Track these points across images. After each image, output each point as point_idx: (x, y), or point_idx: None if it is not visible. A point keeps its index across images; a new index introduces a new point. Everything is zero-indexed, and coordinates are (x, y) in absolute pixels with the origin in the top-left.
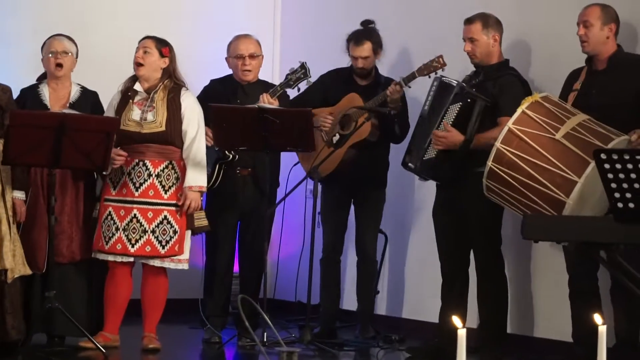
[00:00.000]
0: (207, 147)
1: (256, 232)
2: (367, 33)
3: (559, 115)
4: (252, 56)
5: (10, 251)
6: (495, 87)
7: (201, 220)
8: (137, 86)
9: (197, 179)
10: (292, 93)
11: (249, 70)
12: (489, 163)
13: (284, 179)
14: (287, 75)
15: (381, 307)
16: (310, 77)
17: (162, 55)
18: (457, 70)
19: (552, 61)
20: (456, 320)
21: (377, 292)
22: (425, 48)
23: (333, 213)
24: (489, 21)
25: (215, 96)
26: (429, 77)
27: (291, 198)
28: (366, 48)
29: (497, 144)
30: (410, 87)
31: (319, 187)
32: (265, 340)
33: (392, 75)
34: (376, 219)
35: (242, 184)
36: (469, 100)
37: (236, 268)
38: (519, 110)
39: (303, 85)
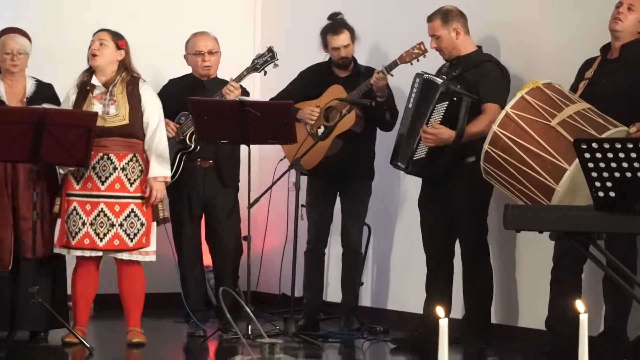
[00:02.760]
0: (168, 138)
1: (223, 225)
2: (342, 23)
3: (558, 103)
4: (211, 52)
5: None
6: (474, 75)
7: (165, 211)
8: (95, 80)
9: (161, 169)
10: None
11: (209, 66)
12: (486, 146)
13: (269, 173)
14: (254, 59)
15: (365, 298)
16: (277, 59)
17: (118, 47)
18: (439, 58)
19: (525, 51)
20: (439, 310)
21: (361, 283)
22: (403, 37)
23: (318, 205)
24: (447, 16)
25: (176, 93)
26: (411, 64)
27: (275, 190)
28: (345, 37)
29: (494, 127)
30: (392, 75)
31: (305, 179)
32: (249, 332)
33: (373, 64)
34: (361, 211)
35: (203, 176)
36: (455, 99)
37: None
38: (518, 95)
39: (270, 69)
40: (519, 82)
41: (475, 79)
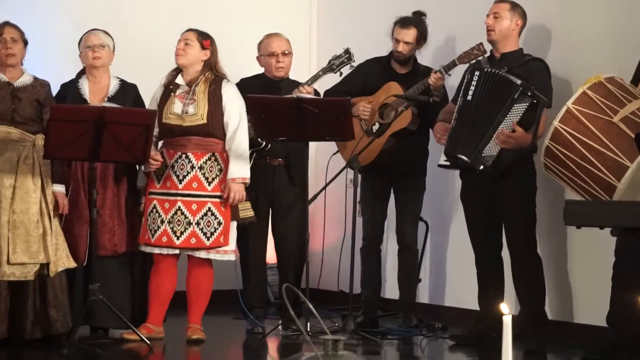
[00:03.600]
0: None
1: (290, 222)
2: (415, 20)
3: (620, 98)
4: (284, 53)
5: (52, 245)
6: (523, 73)
7: (246, 211)
8: (179, 79)
9: (240, 170)
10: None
11: (283, 67)
12: (546, 141)
13: (323, 168)
14: (330, 60)
15: (423, 295)
16: (354, 61)
17: (203, 47)
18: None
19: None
20: (503, 307)
21: (419, 280)
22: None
23: (373, 202)
24: (517, 7)
25: (247, 92)
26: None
27: (331, 188)
28: (411, 33)
29: (555, 122)
30: (450, 75)
31: (359, 176)
32: (308, 329)
33: (433, 63)
34: (416, 208)
35: (272, 174)
36: (534, 101)
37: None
38: (579, 90)
39: (346, 70)
40: (568, 81)
41: (525, 76)
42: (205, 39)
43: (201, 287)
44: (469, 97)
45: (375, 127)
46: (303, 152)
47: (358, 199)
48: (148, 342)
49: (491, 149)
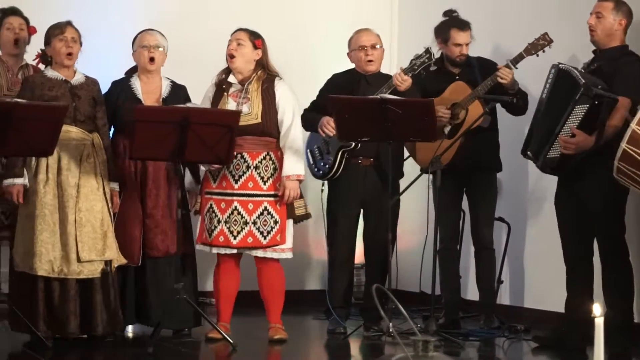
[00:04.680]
0: (330, 137)
1: (379, 222)
2: (464, 20)
3: None
4: (374, 47)
5: (114, 242)
6: (611, 67)
7: (301, 208)
8: (232, 78)
9: (294, 167)
10: None
11: (372, 61)
12: (623, 145)
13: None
14: (412, 60)
15: (504, 296)
16: (435, 60)
17: (255, 47)
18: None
19: None
20: (596, 307)
21: (501, 281)
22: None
23: (448, 204)
24: (622, 5)
25: (339, 88)
26: (537, 55)
27: (412, 188)
28: (469, 34)
29: (633, 125)
30: (517, 68)
31: (430, 177)
32: (391, 330)
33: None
34: (491, 206)
35: (364, 174)
36: (596, 102)
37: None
38: None
39: (428, 70)
40: None
41: (612, 71)
42: (257, 39)
43: (273, 285)
44: (544, 95)
45: (447, 128)
46: (394, 152)
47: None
48: (231, 341)
49: (555, 151)
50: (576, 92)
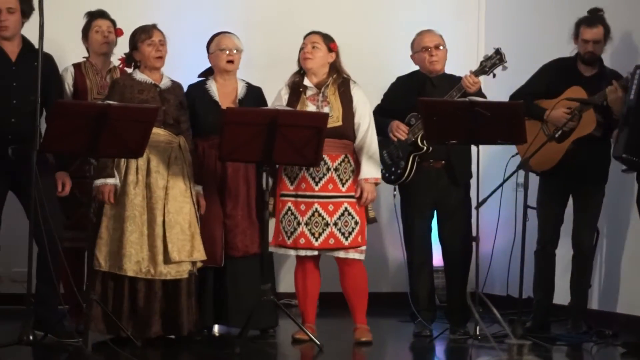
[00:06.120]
0: (400, 141)
1: (455, 225)
2: (600, 18)
3: None
4: (437, 47)
5: (201, 244)
6: None
7: (372, 212)
8: (306, 81)
9: (371, 171)
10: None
11: (436, 61)
12: None
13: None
14: (482, 62)
15: (593, 301)
16: (505, 62)
17: (329, 50)
18: None
19: None
20: None
21: (589, 286)
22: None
23: (550, 205)
24: None
25: (404, 91)
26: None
27: (505, 190)
28: (598, 32)
29: None
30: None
31: (536, 179)
32: (477, 334)
33: (616, 67)
34: (595, 215)
35: (436, 176)
36: None
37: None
38: None
39: (499, 71)
40: None
41: None
42: (331, 42)
43: (357, 286)
44: (631, 96)
45: (559, 132)
46: (464, 154)
47: (528, 203)
48: (318, 342)
49: None
50: None
